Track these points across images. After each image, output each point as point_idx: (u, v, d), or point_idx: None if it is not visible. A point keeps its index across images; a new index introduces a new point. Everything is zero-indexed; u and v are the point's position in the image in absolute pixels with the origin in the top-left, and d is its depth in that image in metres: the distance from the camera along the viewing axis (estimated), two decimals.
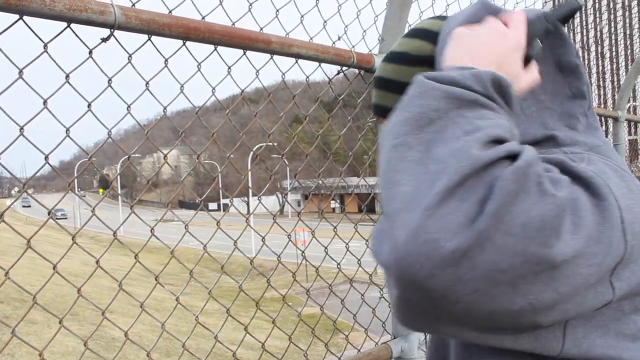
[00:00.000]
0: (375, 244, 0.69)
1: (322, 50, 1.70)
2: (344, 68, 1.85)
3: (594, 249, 0.66)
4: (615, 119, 4.90)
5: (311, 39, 1.71)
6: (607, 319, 0.75)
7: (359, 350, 1.97)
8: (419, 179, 0.65)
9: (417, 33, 1.07)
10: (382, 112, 1.10)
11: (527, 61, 0.88)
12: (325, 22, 1.86)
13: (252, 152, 2.74)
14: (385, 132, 0.74)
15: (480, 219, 0.60)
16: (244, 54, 1.56)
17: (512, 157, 0.66)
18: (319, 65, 1.79)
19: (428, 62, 1.03)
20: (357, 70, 1.95)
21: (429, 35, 1.04)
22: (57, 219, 1.49)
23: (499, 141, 0.67)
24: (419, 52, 1.05)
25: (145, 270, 1.60)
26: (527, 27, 0.87)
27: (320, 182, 2.49)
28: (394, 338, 2.07)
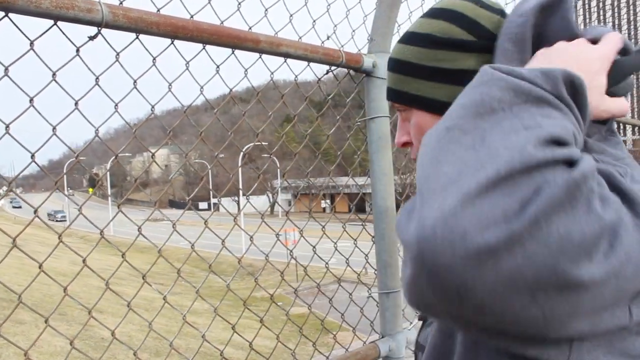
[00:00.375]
0: (403, 220, 0.64)
1: (311, 50, 1.70)
2: (333, 68, 1.85)
3: (625, 273, 0.62)
4: None
5: (300, 38, 1.71)
6: (613, 337, 0.71)
7: (346, 350, 1.97)
8: (465, 163, 0.61)
9: (442, 14, 1.01)
10: (398, 96, 1.05)
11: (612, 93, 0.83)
12: (314, 21, 1.86)
13: (242, 152, 2.74)
14: (444, 117, 0.70)
15: (517, 220, 0.56)
16: (233, 53, 1.56)
17: (569, 162, 0.61)
18: (308, 65, 1.79)
19: (454, 45, 0.98)
20: (346, 70, 1.95)
21: (455, 17, 0.99)
22: (57, 220, 1.48)
23: (560, 142, 0.62)
24: (445, 34, 0.99)
25: (135, 270, 1.59)
26: (620, 53, 0.84)
27: (309, 181, 2.50)
28: (382, 337, 2.07)
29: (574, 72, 0.69)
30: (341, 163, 2.35)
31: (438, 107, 0.99)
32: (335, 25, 1.92)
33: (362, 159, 2.19)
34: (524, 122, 0.63)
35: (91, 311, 1.41)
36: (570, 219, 0.57)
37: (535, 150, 0.60)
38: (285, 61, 1.70)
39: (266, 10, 1.68)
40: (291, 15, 1.77)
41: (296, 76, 1.87)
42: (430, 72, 1.00)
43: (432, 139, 0.68)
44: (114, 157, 1.53)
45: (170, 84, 1.49)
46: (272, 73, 1.75)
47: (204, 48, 1.49)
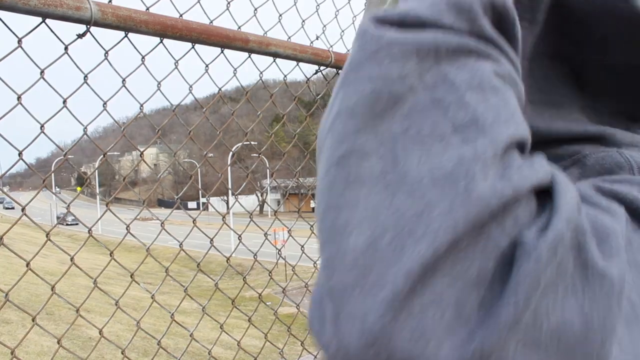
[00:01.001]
0: (316, 318, 0.40)
1: (300, 50, 1.70)
2: (322, 68, 1.86)
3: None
4: None
5: (289, 38, 1.72)
6: None
7: None
8: (379, 225, 0.38)
9: None
10: None
11: None
12: (303, 21, 1.86)
13: (231, 152, 2.74)
14: (322, 132, 0.45)
15: (486, 325, 0.34)
16: (222, 52, 1.56)
17: (539, 190, 0.40)
18: (297, 65, 1.79)
19: None
20: (335, 70, 1.96)
21: None
22: (67, 224, 1.47)
23: (517, 145, 0.41)
24: None
25: (124, 269, 1.59)
26: None
27: (298, 181, 2.50)
28: None
29: None
30: None
31: None
32: (325, 26, 1.93)
33: None
34: (450, 113, 0.40)
35: (79, 310, 1.41)
36: (568, 300, 0.37)
37: (487, 186, 0.37)
38: (274, 61, 1.70)
39: (255, 10, 1.69)
40: (280, 15, 1.77)
41: (285, 76, 1.88)
42: None
43: (323, 183, 0.43)
44: (102, 155, 1.53)
45: (159, 83, 1.49)
46: (261, 73, 1.76)
47: (193, 47, 1.49)
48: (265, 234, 1.93)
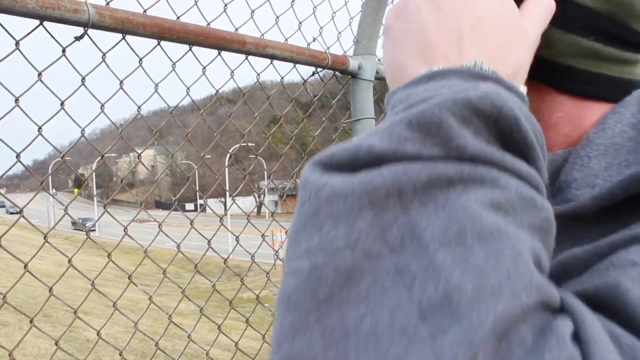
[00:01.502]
0: None
1: (297, 52, 1.71)
2: (319, 69, 1.86)
3: None
4: None
5: (286, 40, 1.72)
6: None
7: None
8: None
9: None
10: None
11: None
12: (300, 23, 1.87)
13: (228, 153, 2.74)
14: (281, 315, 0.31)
15: None
16: (219, 54, 1.57)
17: None
18: (294, 66, 1.80)
19: None
20: (332, 72, 1.97)
21: None
22: (89, 230, 1.47)
23: (519, 324, 0.28)
24: None
25: (122, 271, 1.59)
26: None
27: (295, 182, 2.50)
28: None
29: (484, 91, 0.34)
30: None
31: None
32: (321, 27, 1.94)
33: None
34: (414, 290, 0.29)
35: (76, 312, 1.41)
36: None
37: None
38: (271, 62, 1.71)
39: (252, 12, 1.69)
40: (277, 17, 1.78)
41: (282, 77, 1.88)
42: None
43: None
44: (100, 157, 1.53)
45: (156, 85, 1.49)
46: (258, 74, 1.76)
47: (190, 49, 1.49)
48: (263, 236, 1.93)
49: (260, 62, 1.72)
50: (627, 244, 0.37)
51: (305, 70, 1.92)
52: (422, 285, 0.28)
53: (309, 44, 1.81)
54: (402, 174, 0.31)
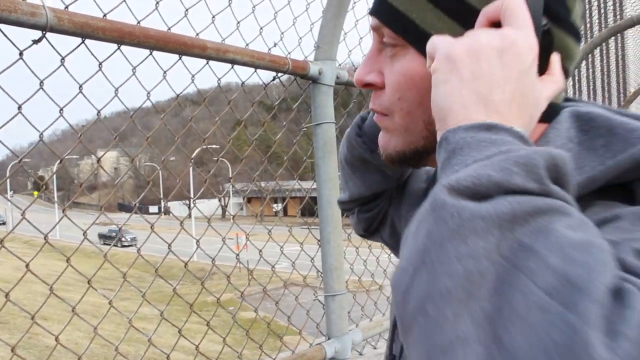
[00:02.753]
0: None
1: (258, 57, 1.72)
2: (280, 74, 1.88)
3: None
4: None
5: (247, 45, 1.74)
6: None
7: (293, 352, 2.00)
8: None
9: None
10: (397, 22, 0.69)
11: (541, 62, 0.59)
12: (261, 28, 1.88)
13: (192, 156, 2.74)
14: (409, 314, 0.45)
15: None
16: (180, 59, 1.57)
17: None
18: (255, 71, 1.81)
19: None
20: (293, 77, 1.99)
21: None
22: (124, 245, 1.44)
23: (615, 290, 0.40)
24: None
25: (83, 276, 1.58)
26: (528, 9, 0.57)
27: (259, 185, 2.51)
28: (328, 339, 2.11)
29: (552, 151, 0.48)
30: (291, 166, 2.37)
31: None
32: (282, 33, 1.96)
33: (312, 162, 2.23)
34: (538, 281, 0.40)
35: (34, 317, 1.40)
36: None
37: (603, 349, 0.36)
38: (232, 67, 1.72)
39: (213, 17, 1.70)
40: (238, 22, 1.79)
41: (243, 82, 1.89)
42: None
43: None
44: (59, 161, 1.52)
45: (116, 90, 1.49)
46: (219, 79, 1.77)
47: (151, 54, 1.49)
48: (224, 239, 1.94)
49: (222, 66, 1.72)
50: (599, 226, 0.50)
51: (267, 74, 1.94)
52: (542, 277, 0.40)
53: (269, 49, 1.83)
54: (515, 204, 0.44)
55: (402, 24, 0.68)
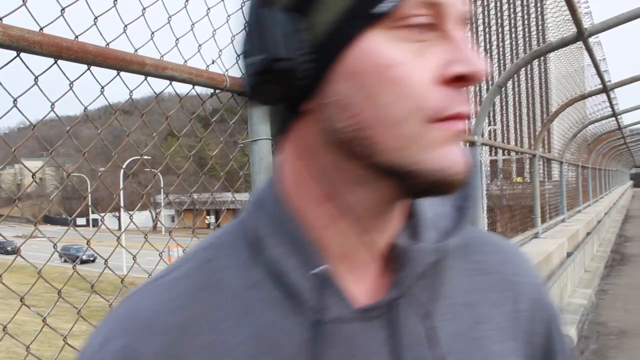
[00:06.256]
0: None
1: (196, 74, 1.74)
2: (217, 91, 1.90)
3: None
4: (472, 143, 5.35)
5: (185, 62, 1.76)
6: None
7: None
8: None
9: None
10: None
11: None
12: (199, 46, 1.91)
13: (122, 168, 2.71)
14: None
15: None
16: (118, 74, 1.57)
17: None
18: (193, 87, 1.83)
19: None
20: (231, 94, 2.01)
21: None
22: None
23: None
24: None
25: (2, 292, 1.54)
26: None
27: (193, 197, 2.50)
28: None
29: None
30: (225, 178, 2.37)
31: None
32: (221, 50, 1.99)
33: (246, 174, 2.24)
34: None
35: None
36: None
37: None
38: (170, 84, 1.73)
39: (152, 33, 1.71)
40: (177, 39, 1.81)
41: (181, 98, 1.89)
42: None
43: None
44: None
45: (53, 104, 1.48)
46: (157, 95, 1.77)
47: (88, 69, 1.49)
48: (160, 254, 1.93)
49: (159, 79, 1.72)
50: None
51: (203, 89, 1.94)
52: None
53: (207, 66, 1.85)
54: None
55: None
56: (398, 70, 0.50)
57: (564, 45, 6.27)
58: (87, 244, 1.62)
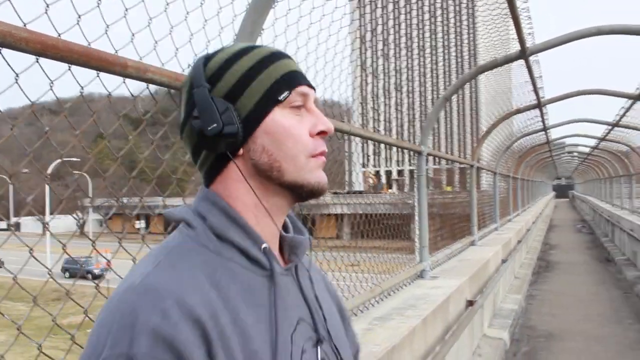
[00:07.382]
0: None
1: (176, 78, 1.73)
2: (154, 90, 1.81)
3: None
4: (419, 153, 5.50)
5: (163, 65, 1.74)
6: None
7: None
8: None
9: None
10: None
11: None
12: (177, 50, 1.89)
13: (47, 173, 2.58)
14: None
15: None
16: (97, 76, 1.54)
17: None
18: (124, 81, 1.68)
19: None
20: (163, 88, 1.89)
21: None
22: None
23: None
24: None
25: None
26: None
27: (121, 201, 2.40)
28: None
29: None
30: (157, 182, 2.21)
31: None
32: (196, 55, 1.97)
33: (180, 178, 2.17)
34: None
35: None
36: None
37: None
38: (147, 87, 1.70)
39: (133, 35, 1.68)
40: (156, 42, 1.78)
41: (109, 93, 1.78)
42: None
43: None
44: None
45: None
46: (82, 88, 1.64)
47: (69, 69, 1.45)
48: (85, 260, 1.86)
49: (85, 72, 1.56)
50: None
51: (135, 85, 1.81)
52: None
53: (183, 70, 1.84)
54: None
55: None
56: (292, 130, 0.92)
57: (508, 62, 6.70)
58: (30, 252, 1.54)
